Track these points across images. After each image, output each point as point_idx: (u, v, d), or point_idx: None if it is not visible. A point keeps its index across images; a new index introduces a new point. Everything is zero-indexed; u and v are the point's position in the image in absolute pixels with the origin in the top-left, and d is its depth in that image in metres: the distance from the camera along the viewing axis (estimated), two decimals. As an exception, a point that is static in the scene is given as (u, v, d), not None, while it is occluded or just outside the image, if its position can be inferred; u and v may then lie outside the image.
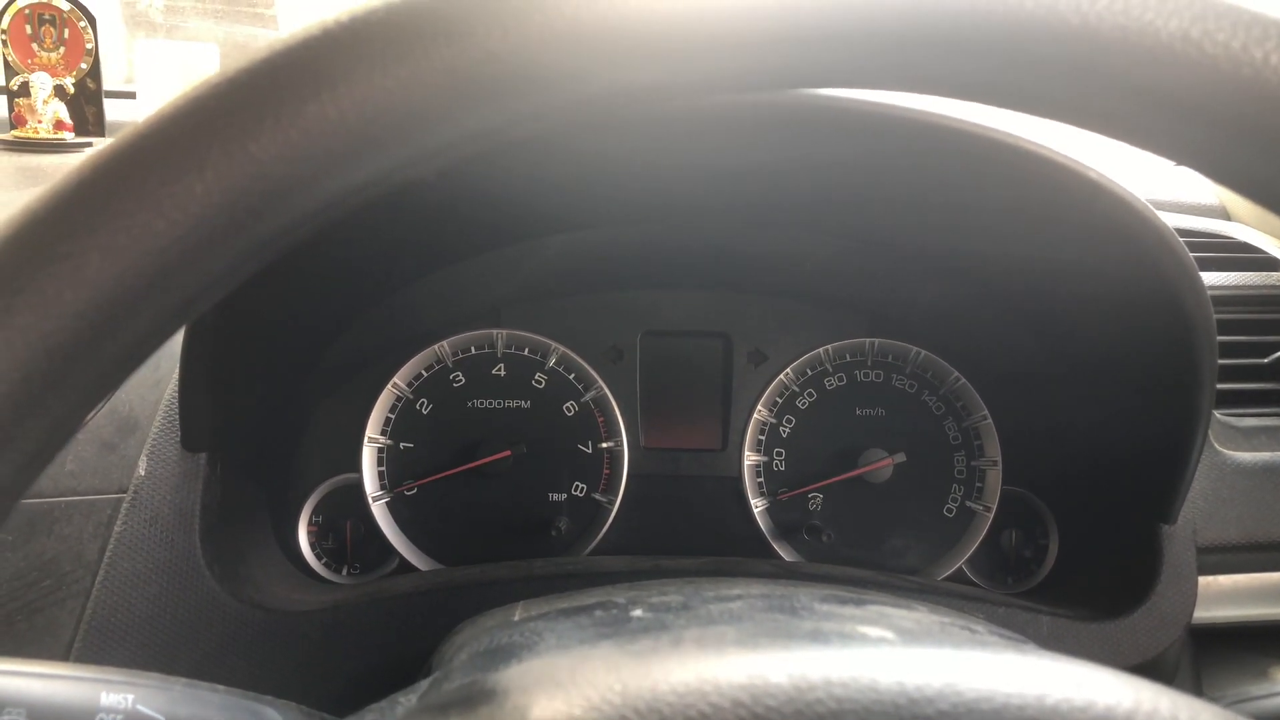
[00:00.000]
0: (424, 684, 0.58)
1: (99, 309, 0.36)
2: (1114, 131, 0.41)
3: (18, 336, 0.35)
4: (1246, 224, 1.42)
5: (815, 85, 0.40)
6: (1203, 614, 1.04)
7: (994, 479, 1.21)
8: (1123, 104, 0.39)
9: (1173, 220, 1.33)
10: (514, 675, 0.43)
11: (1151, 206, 0.84)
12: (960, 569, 1.20)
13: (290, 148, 0.37)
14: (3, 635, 0.86)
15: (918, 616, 0.56)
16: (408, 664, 0.89)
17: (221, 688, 0.63)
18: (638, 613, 0.55)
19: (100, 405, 0.97)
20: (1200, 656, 1.11)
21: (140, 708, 0.58)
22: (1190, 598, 1.01)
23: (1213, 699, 0.67)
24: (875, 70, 0.39)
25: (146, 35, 2.27)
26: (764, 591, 0.59)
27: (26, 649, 0.86)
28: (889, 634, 0.44)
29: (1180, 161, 0.41)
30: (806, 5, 0.37)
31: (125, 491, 0.92)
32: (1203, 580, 1.04)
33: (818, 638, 0.42)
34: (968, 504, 1.22)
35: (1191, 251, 0.88)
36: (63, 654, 0.86)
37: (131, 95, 1.65)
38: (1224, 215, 1.44)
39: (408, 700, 0.55)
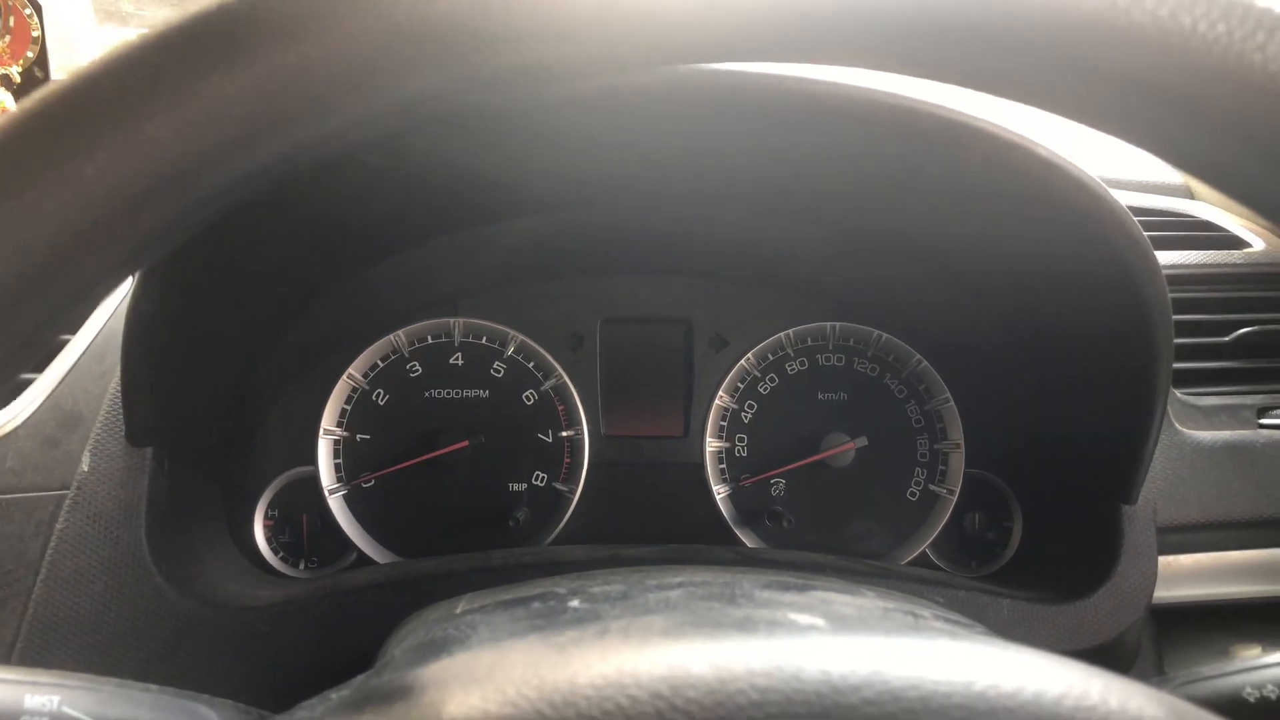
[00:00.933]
0: (358, 679, 0.57)
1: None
2: (1046, 103, 0.40)
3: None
4: (1210, 203, 1.41)
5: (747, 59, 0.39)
6: (1163, 594, 1.04)
7: (957, 462, 1.21)
8: (1053, 75, 0.38)
9: (1135, 199, 1.33)
10: (435, 671, 0.42)
11: (1106, 185, 0.83)
12: (924, 553, 1.20)
13: (187, 126, 0.35)
14: (-59, 637, 0.84)
15: (860, 603, 0.55)
16: (361, 659, 0.88)
17: (154, 687, 0.62)
18: (575, 603, 0.54)
19: None
20: (1162, 636, 1.11)
21: (66, 709, 0.56)
22: (1150, 578, 1.01)
23: (1172, 678, 0.66)
24: (798, 43, 0.38)
25: (118, 26, 2.23)
26: (706, 579, 0.58)
27: (-34, 650, 0.84)
28: (820, 621, 0.43)
29: (1114, 134, 0.40)
30: None
31: (68, 488, 0.89)
32: (1163, 560, 1.04)
33: (745, 626, 0.41)
34: (931, 487, 1.22)
35: (1153, 231, 0.88)
36: (4, 655, 0.84)
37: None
38: (1187, 194, 1.44)
39: (339, 696, 0.54)
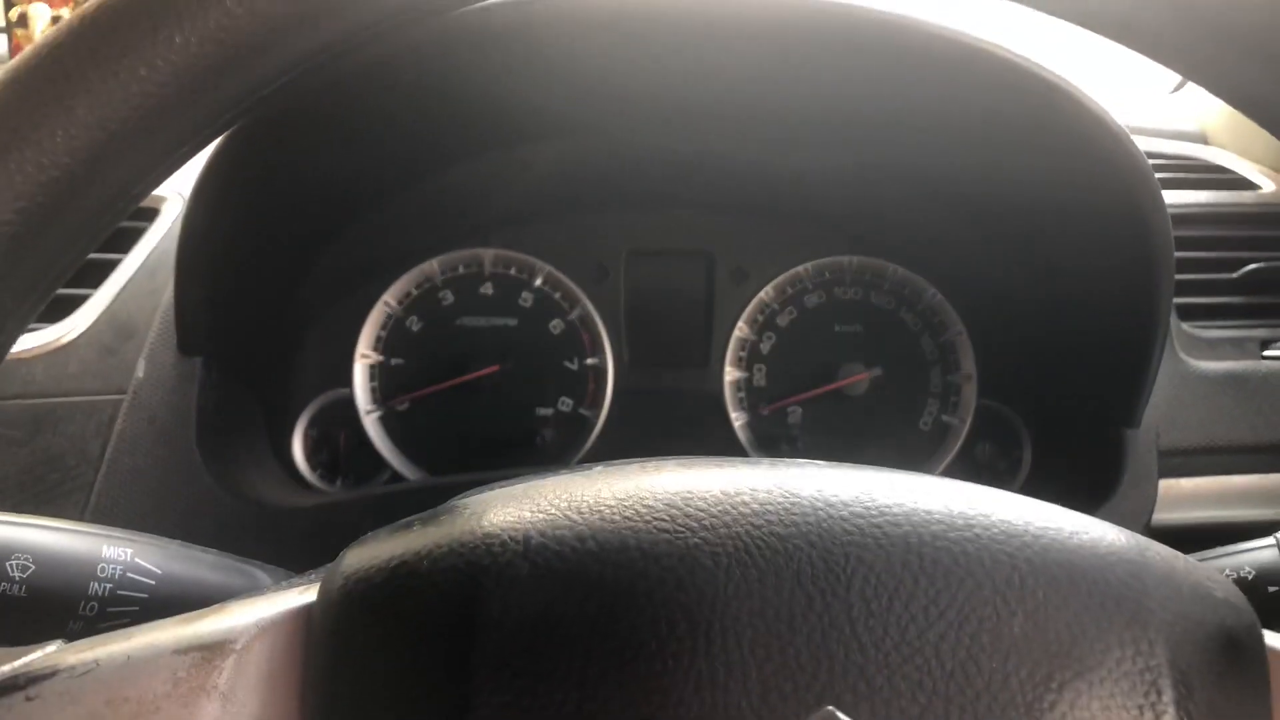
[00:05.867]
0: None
1: (88, 149, 0.40)
2: (1126, 39, 0.41)
3: (15, 173, 0.38)
4: (1224, 149, 1.44)
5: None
6: (1164, 516, 1.08)
7: (969, 393, 1.25)
8: (1134, 11, 0.39)
9: (1149, 144, 1.36)
10: (476, 498, 0.47)
11: (1107, 109, 0.87)
12: (935, 480, 1.24)
13: None
14: (11, 525, 0.91)
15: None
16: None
17: (214, 551, 0.68)
18: (598, 468, 0.59)
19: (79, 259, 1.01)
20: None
21: (138, 560, 0.62)
22: (1150, 498, 1.05)
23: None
24: None
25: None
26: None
27: (34, 538, 0.90)
28: (817, 462, 0.48)
29: (1187, 75, 0.42)
30: None
31: (125, 393, 0.96)
32: (1164, 483, 1.08)
33: (749, 463, 0.46)
34: (943, 418, 1.26)
35: (1165, 173, 0.91)
36: (68, 543, 0.91)
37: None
38: (1202, 140, 1.47)
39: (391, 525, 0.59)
